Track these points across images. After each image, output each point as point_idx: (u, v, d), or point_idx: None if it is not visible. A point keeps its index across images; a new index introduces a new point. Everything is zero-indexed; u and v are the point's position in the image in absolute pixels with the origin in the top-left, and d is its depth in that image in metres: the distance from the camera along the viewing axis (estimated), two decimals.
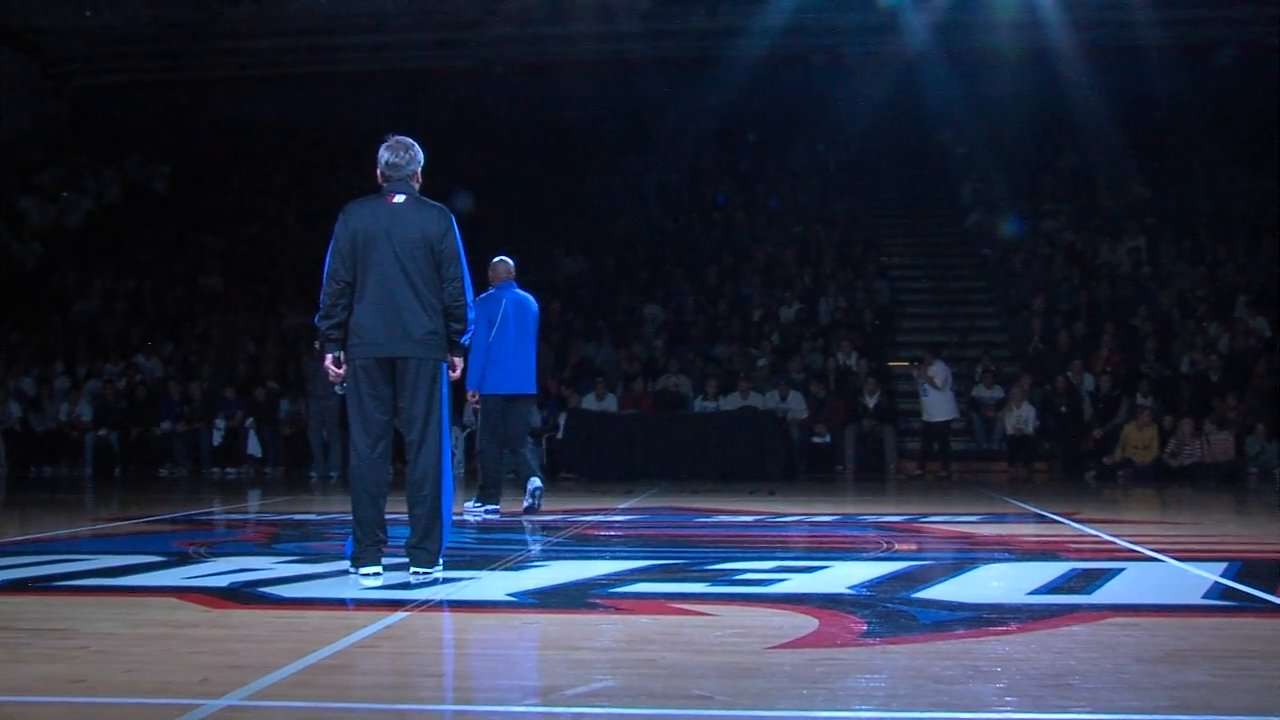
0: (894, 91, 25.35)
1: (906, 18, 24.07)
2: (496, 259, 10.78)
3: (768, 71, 25.66)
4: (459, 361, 6.54)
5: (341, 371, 6.38)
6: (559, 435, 18.10)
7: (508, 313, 10.59)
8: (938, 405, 18.02)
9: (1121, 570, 6.94)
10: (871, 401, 18.43)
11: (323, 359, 6.49)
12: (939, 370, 18.11)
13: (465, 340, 6.51)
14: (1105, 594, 6.08)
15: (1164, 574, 6.89)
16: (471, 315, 6.47)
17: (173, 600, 5.93)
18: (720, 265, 23.06)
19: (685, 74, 26.63)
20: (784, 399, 18.40)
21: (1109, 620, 5.27)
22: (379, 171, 6.50)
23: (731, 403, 18.43)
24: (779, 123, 27.20)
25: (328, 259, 6.36)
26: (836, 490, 15.33)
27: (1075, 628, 5.12)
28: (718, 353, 20.16)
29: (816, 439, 18.32)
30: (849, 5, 24.39)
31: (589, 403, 18.53)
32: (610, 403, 18.60)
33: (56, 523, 10.67)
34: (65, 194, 26.28)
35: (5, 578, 6.75)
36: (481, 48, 27.31)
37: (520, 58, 27.61)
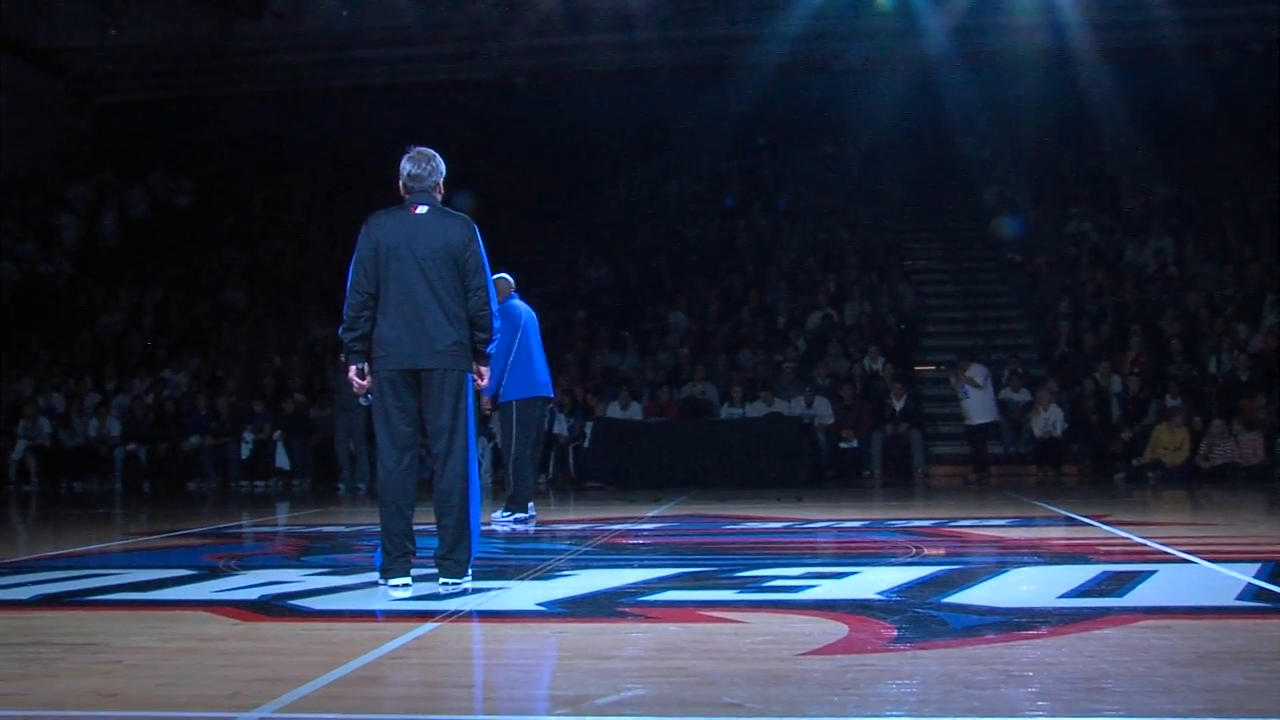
0: (914, 95, 25.32)
1: (924, 22, 24.04)
2: (497, 276, 10.59)
3: (786, 77, 25.66)
4: (485, 371, 6.53)
5: (366, 384, 6.39)
6: (585, 444, 18.10)
7: (528, 323, 10.80)
8: (979, 408, 17.93)
9: (1153, 572, 6.88)
10: (898, 404, 18.38)
11: (347, 371, 6.51)
12: (978, 371, 18.05)
13: (491, 350, 6.51)
14: (1137, 596, 6.03)
15: (1196, 576, 6.84)
16: (497, 324, 6.46)
17: (203, 614, 5.95)
18: (744, 272, 23.05)
19: (704, 81, 26.65)
20: (810, 405, 18.37)
21: (1141, 623, 5.23)
22: (401, 183, 6.52)
23: (757, 409, 18.39)
24: (798, 128, 27.18)
25: (351, 271, 6.37)
26: (864, 495, 15.29)
27: (1107, 631, 5.09)
28: (743, 359, 20.13)
29: (843, 444, 18.27)
30: (866, 10, 24.38)
31: (614, 411, 18.53)
32: (636, 411, 18.60)
33: (87, 537, 10.72)
34: (99, 209, 26.50)
35: (37, 592, 6.79)
36: (501, 59, 27.40)
37: (539, 68, 27.69)
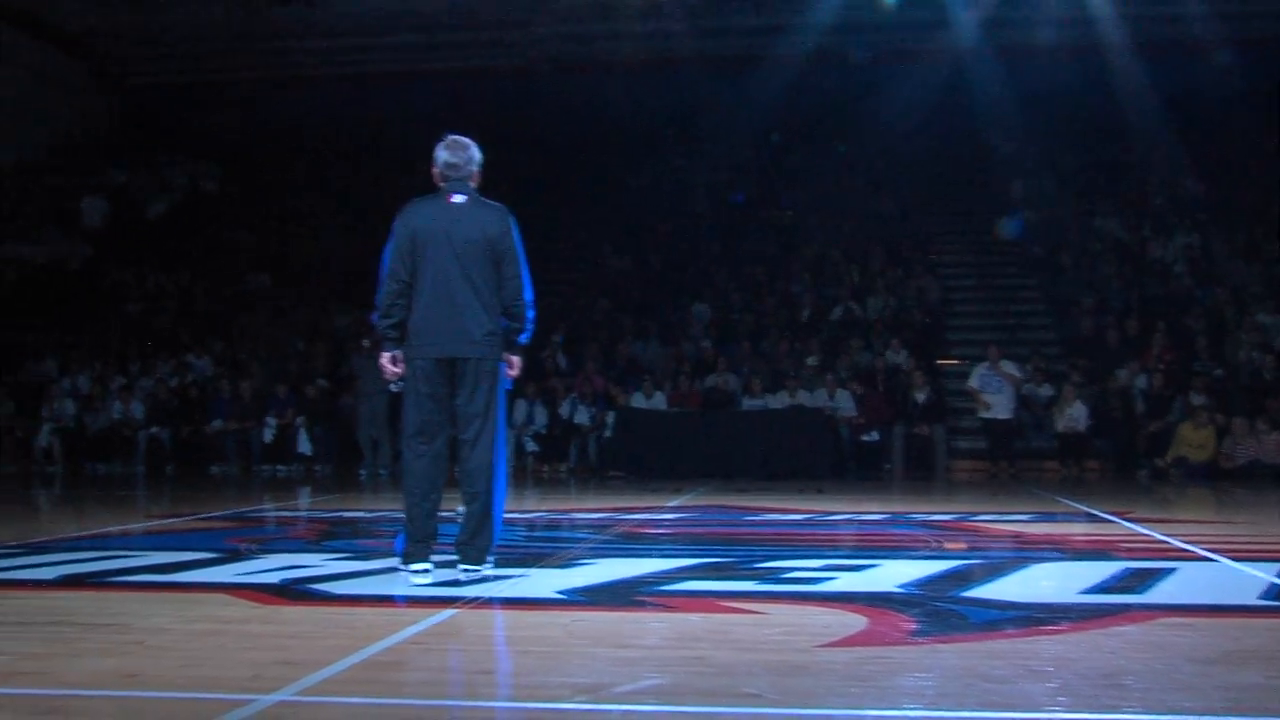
0: (941, 88, 25.17)
1: (953, 13, 23.93)
2: None
3: (813, 68, 25.58)
4: (517, 360, 6.52)
5: (399, 370, 6.40)
6: (607, 433, 18.11)
7: None
8: (1003, 403, 17.89)
9: (1174, 570, 6.86)
10: (921, 397, 18.31)
11: (378, 357, 6.52)
12: (1015, 367, 18.06)
13: (524, 340, 6.50)
14: (1158, 594, 6.02)
15: (1218, 574, 6.82)
16: (531, 315, 6.45)
17: (224, 596, 5.99)
18: (768, 264, 23.00)
19: (731, 72, 26.58)
20: (832, 397, 18.31)
21: (1161, 620, 5.22)
22: (437, 171, 6.50)
23: (779, 401, 18.36)
24: (825, 120, 27.11)
25: (386, 258, 6.37)
26: (885, 489, 15.26)
27: (1127, 627, 5.07)
28: (765, 350, 20.09)
29: (865, 437, 18.20)
30: (894, 2, 24.29)
31: (637, 401, 18.51)
32: (658, 401, 18.58)
33: (110, 519, 10.78)
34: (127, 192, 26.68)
35: (61, 573, 6.84)
36: (528, 47, 27.40)
37: (567, 57, 27.67)
